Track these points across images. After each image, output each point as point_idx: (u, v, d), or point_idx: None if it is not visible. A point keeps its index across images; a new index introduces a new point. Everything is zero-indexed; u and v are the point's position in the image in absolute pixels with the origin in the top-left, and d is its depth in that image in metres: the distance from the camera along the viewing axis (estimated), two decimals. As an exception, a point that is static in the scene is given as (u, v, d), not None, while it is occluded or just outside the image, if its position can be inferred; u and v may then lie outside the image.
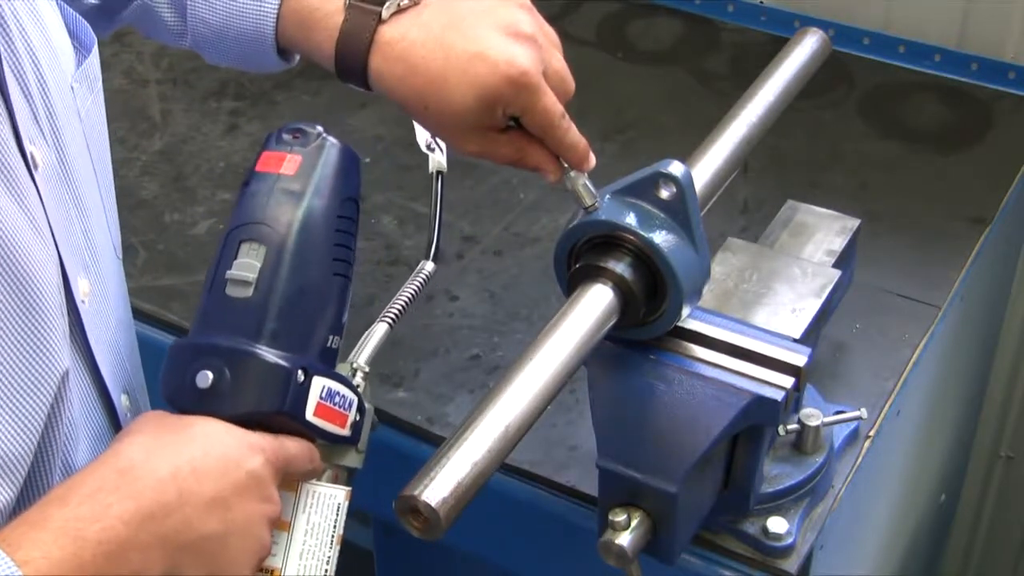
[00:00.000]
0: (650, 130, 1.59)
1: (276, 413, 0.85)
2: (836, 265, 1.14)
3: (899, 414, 1.22)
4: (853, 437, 1.15)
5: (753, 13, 1.79)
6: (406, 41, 0.97)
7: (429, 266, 1.06)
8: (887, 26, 1.72)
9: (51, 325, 0.82)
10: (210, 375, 0.84)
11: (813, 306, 1.07)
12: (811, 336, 1.05)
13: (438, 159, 1.10)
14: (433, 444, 1.15)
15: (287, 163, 0.89)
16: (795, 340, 1.01)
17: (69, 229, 0.90)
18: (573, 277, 0.97)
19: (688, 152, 1.06)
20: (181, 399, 0.85)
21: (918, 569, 1.81)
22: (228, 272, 0.86)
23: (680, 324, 0.99)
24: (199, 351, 0.85)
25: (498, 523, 1.15)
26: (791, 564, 1.05)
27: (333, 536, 0.90)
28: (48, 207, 0.85)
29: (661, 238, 0.94)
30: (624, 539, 0.94)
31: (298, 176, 0.88)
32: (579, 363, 0.93)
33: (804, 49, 1.18)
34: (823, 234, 1.18)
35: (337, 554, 0.90)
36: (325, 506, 0.90)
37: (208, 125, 1.57)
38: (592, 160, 1.00)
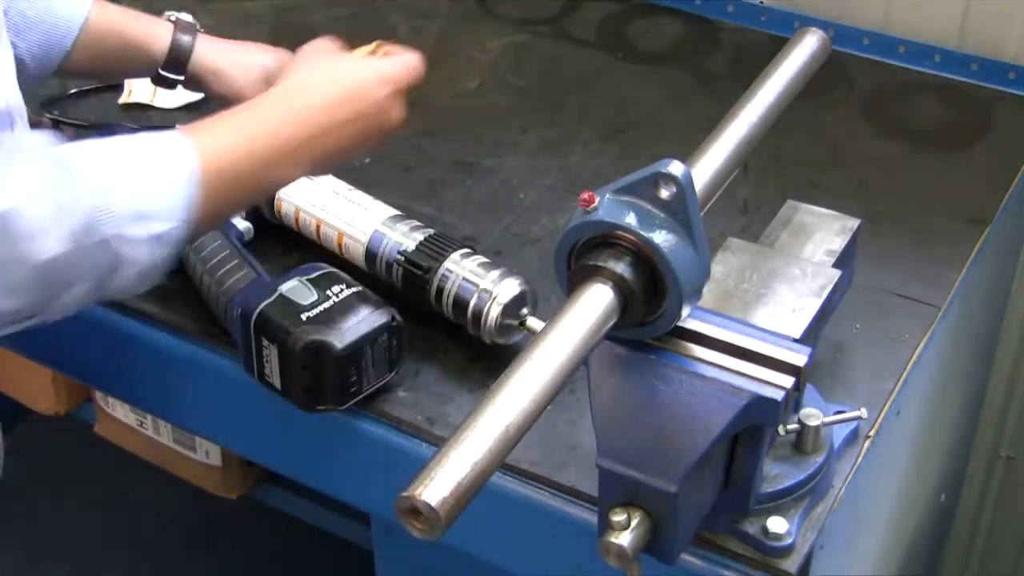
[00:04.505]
0: (650, 130, 1.59)
1: None
2: (836, 265, 1.14)
3: (899, 414, 1.22)
4: (853, 437, 1.15)
5: (753, 13, 1.79)
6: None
7: None
8: (887, 26, 1.72)
9: None
10: None
11: (813, 306, 1.07)
12: (811, 336, 1.05)
13: None
14: (433, 444, 1.15)
15: None
16: (795, 340, 1.01)
17: None
18: (573, 277, 0.97)
19: (688, 152, 1.06)
20: None
21: (918, 569, 1.81)
22: None
23: (680, 324, 0.99)
24: None
25: (498, 523, 1.15)
26: (791, 564, 1.05)
27: None
28: None
29: (661, 238, 0.94)
30: (624, 539, 0.94)
31: None
32: (579, 363, 0.93)
33: (804, 49, 1.18)
34: (823, 234, 1.18)
35: None
36: None
37: (208, 125, 1.57)
38: None
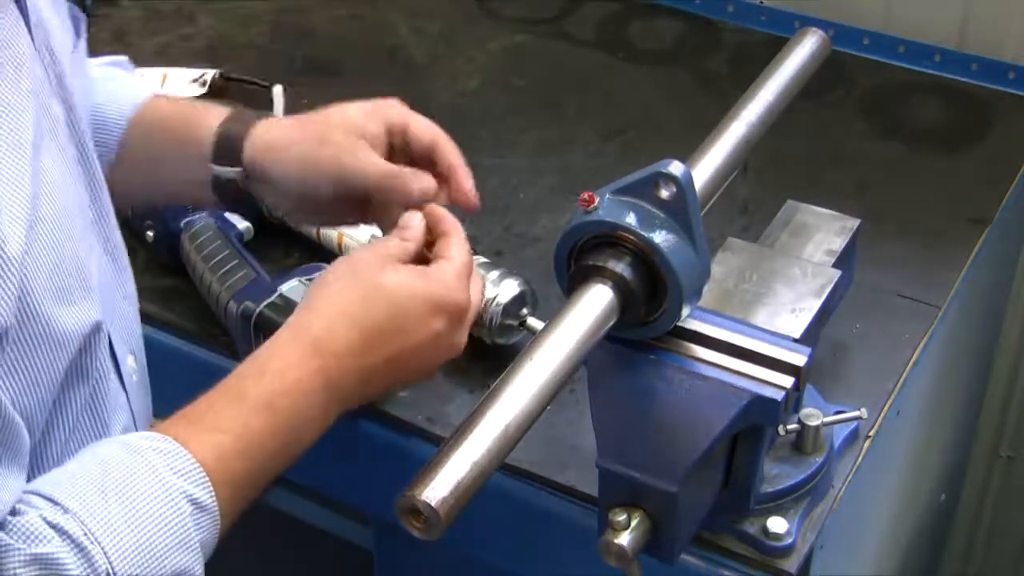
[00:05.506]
0: (650, 130, 1.59)
1: None
2: (836, 265, 1.14)
3: (899, 414, 1.22)
4: (853, 437, 1.15)
5: (753, 13, 1.79)
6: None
7: None
8: (887, 26, 1.72)
9: (88, 272, 0.87)
10: None
11: (813, 306, 1.07)
12: (811, 336, 1.05)
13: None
14: (433, 444, 1.15)
15: None
16: (795, 340, 1.01)
17: (80, 189, 0.93)
18: (573, 277, 0.97)
19: (688, 152, 1.06)
20: None
21: (918, 569, 1.81)
22: None
23: (680, 324, 0.99)
24: None
25: (498, 523, 1.15)
26: (791, 564, 1.05)
27: None
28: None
29: (661, 238, 0.94)
30: (624, 539, 0.94)
31: None
32: (579, 363, 0.93)
33: (804, 49, 1.18)
34: (823, 234, 1.18)
35: None
36: None
37: (208, 125, 1.57)
38: (473, 195, 1.04)
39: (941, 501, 1.81)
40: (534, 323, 1.20)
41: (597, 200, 0.96)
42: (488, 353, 1.23)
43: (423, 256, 0.98)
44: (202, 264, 1.27)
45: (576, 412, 1.17)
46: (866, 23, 1.72)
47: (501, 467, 0.87)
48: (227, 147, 1.06)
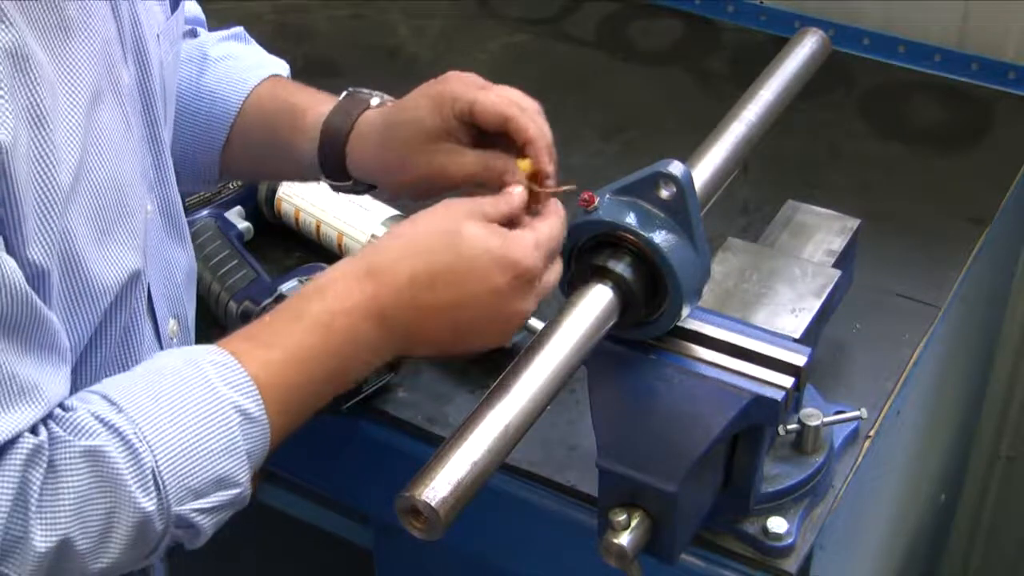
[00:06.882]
0: (650, 130, 1.59)
1: None
2: (836, 265, 1.14)
3: (899, 414, 1.22)
4: (853, 437, 1.15)
5: (753, 13, 1.79)
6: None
7: None
8: (887, 26, 1.72)
9: (134, 227, 0.91)
10: None
11: (813, 306, 1.07)
12: (811, 336, 1.05)
13: None
14: (433, 444, 1.14)
15: None
16: (795, 340, 1.01)
17: (142, 150, 0.97)
18: (573, 277, 0.97)
19: (688, 152, 1.06)
20: None
21: (918, 569, 1.81)
22: None
23: (680, 324, 0.99)
24: None
25: (498, 523, 1.15)
26: (791, 564, 1.05)
27: None
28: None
29: (661, 238, 0.94)
30: (624, 539, 0.94)
31: None
32: (579, 363, 0.93)
33: (804, 49, 1.18)
34: (823, 234, 1.18)
35: None
36: None
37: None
38: (550, 171, 0.99)
39: (941, 501, 1.81)
40: (534, 323, 1.20)
41: (597, 200, 0.96)
42: (488, 353, 1.22)
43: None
44: (202, 264, 1.27)
45: (576, 412, 1.17)
46: (866, 23, 1.72)
47: (501, 467, 0.87)
48: (332, 166, 1.08)
